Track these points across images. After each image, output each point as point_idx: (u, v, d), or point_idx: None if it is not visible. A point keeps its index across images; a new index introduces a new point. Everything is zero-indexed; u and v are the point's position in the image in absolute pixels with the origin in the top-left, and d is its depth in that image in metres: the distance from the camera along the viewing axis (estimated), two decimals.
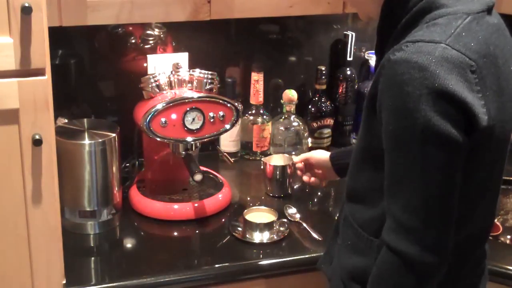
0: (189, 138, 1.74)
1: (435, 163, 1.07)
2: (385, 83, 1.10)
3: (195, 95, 1.73)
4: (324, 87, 2.16)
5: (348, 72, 2.20)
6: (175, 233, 1.73)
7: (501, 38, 1.17)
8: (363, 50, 2.26)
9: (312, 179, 1.73)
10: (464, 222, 1.20)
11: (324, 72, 2.14)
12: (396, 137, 1.09)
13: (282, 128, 2.11)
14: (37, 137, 1.29)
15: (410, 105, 1.05)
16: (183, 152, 1.78)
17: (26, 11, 1.21)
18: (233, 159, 1.98)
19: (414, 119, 1.05)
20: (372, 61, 2.18)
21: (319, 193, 1.93)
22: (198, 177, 1.70)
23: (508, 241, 1.87)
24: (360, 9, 1.31)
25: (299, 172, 1.76)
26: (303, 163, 1.75)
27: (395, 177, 1.12)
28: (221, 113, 1.75)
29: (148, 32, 1.98)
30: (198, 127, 1.73)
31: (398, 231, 1.11)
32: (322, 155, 1.70)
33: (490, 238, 1.75)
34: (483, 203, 1.23)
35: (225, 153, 1.95)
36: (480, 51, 1.10)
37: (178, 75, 1.78)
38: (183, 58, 1.92)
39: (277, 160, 1.92)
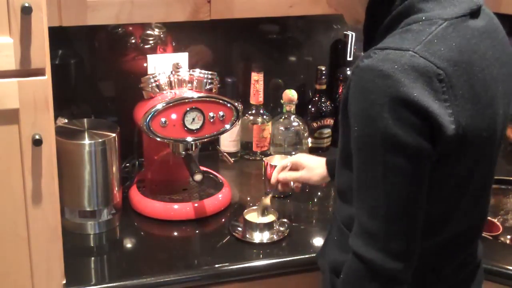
0: (189, 138, 1.74)
1: (397, 171, 1.07)
2: (353, 89, 1.10)
3: (195, 95, 1.73)
4: (324, 87, 2.16)
5: (348, 72, 2.20)
6: (175, 233, 1.73)
7: (485, 42, 1.15)
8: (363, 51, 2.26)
9: (290, 175, 1.69)
10: (442, 225, 1.20)
11: (324, 72, 2.14)
12: (360, 144, 1.10)
13: (282, 128, 2.11)
14: (37, 137, 1.29)
15: (373, 113, 1.06)
16: (183, 152, 1.78)
17: (26, 11, 1.21)
18: (233, 159, 1.98)
19: (376, 127, 1.06)
20: None
21: (319, 193, 1.93)
22: (198, 177, 1.70)
23: (508, 241, 1.87)
24: (347, 13, 1.30)
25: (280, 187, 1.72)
26: (290, 164, 1.70)
27: (360, 182, 1.12)
28: (221, 113, 1.75)
29: (148, 32, 1.99)
30: (198, 127, 1.73)
31: (363, 237, 1.12)
32: (315, 173, 1.66)
33: (490, 238, 1.76)
34: (464, 206, 1.21)
35: (225, 153, 1.95)
36: (452, 58, 1.08)
37: (178, 75, 1.78)
38: (183, 58, 1.92)
39: (277, 160, 1.92)
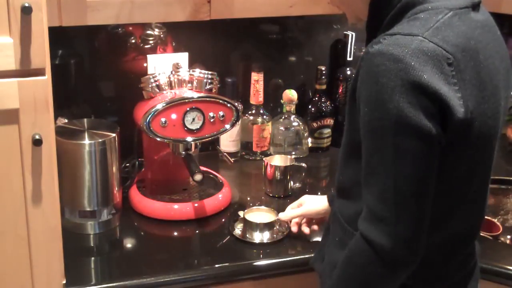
0: (189, 138, 1.74)
1: (408, 154, 1.07)
2: (363, 75, 1.12)
3: (195, 95, 1.73)
4: (324, 87, 2.16)
5: (348, 72, 2.20)
6: (175, 233, 1.73)
7: (486, 35, 1.17)
8: (363, 50, 2.26)
9: (315, 227, 1.67)
10: (445, 221, 1.20)
11: (324, 72, 2.14)
12: (371, 127, 1.11)
13: (282, 128, 2.11)
14: (37, 137, 1.29)
15: (384, 96, 1.07)
16: (183, 152, 1.78)
17: (26, 11, 1.21)
18: (233, 159, 1.98)
19: (387, 110, 1.06)
20: None
21: (319, 193, 1.93)
22: (198, 177, 1.70)
23: (508, 241, 1.87)
24: (349, 10, 1.31)
25: (295, 229, 1.67)
26: (298, 218, 1.68)
27: (370, 167, 1.12)
28: (221, 113, 1.75)
29: (148, 32, 1.98)
30: (198, 127, 1.73)
31: (371, 221, 1.12)
32: (317, 205, 1.64)
33: (490, 238, 1.76)
34: (466, 202, 1.22)
35: (225, 153, 1.95)
36: (459, 44, 1.10)
37: (178, 75, 1.78)
38: (183, 58, 1.92)
39: (277, 160, 1.92)
